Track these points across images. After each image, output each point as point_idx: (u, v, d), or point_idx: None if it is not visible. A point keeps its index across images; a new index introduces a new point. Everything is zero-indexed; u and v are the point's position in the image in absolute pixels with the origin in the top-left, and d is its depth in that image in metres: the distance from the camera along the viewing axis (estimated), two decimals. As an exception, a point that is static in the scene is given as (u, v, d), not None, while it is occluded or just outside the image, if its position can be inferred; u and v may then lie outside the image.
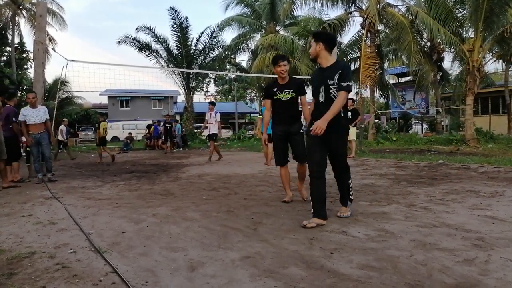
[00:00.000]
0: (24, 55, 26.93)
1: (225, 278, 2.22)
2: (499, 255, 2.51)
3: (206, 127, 11.79)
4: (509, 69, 22.57)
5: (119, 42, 22.56)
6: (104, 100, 40.21)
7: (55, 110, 10.79)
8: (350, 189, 3.68)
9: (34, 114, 6.65)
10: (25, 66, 26.81)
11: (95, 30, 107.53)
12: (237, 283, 2.15)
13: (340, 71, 3.34)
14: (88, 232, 3.25)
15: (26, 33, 28.55)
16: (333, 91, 3.35)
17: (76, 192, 5.52)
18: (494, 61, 21.60)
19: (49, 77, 34.54)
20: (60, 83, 20.05)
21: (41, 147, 6.71)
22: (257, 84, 26.34)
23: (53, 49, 16.52)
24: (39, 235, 3.21)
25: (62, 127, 13.75)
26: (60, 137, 13.58)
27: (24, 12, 25.67)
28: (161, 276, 2.27)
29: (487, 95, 23.68)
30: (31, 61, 25.11)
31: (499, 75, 29.33)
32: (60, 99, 26.66)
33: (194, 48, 23.58)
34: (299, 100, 4.40)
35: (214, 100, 11.69)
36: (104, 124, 12.33)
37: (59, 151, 13.42)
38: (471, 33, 15.40)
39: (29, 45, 27.66)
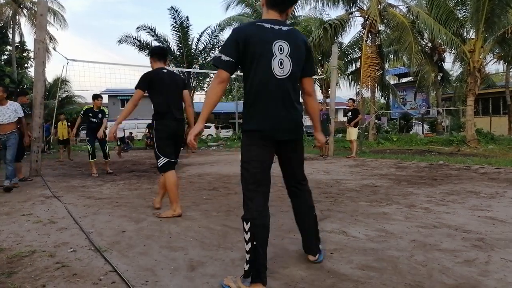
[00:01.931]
0: (25, 54, 26.93)
1: (225, 277, 2.21)
2: (499, 256, 2.51)
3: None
4: (510, 70, 22.56)
5: (119, 41, 22.58)
6: (104, 99, 40.12)
7: (55, 109, 10.85)
8: None
9: (1, 113, 5.84)
10: (26, 65, 26.80)
11: (96, 29, 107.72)
12: (237, 282, 2.14)
13: None
14: (88, 231, 3.25)
15: (26, 32, 28.62)
16: None
17: (76, 191, 5.52)
18: (495, 62, 21.62)
19: (50, 76, 34.60)
20: (60, 82, 20.03)
21: (7, 149, 5.85)
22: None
23: (54, 48, 16.45)
24: (39, 234, 3.21)
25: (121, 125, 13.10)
26: (119, 134, 13.29)
27: (24, 11, 25.68)
28: (161, 275, 2.27)
29: (487, 96, 23.67)
30: (32, 60, 25.12)
31: (500, 76, 29.30)
32: (60, 98, 26.66)
33: (194, 47, 23.59)
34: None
35: None
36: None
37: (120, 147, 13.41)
38: (472, 34, 15.38)
39: (30, 44, 27.68)
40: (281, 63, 2.15)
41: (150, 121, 22.39)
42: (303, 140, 2.46)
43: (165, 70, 3.99)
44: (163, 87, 3.85)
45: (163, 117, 3.82)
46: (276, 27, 2.18)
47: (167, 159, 3.76)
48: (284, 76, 2.17)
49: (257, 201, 2.12)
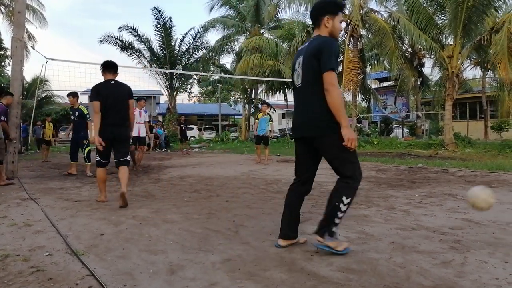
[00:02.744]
0: (2, 52, 26.19)
1: (205, 281, 2.19)
2: (474, 257, 2.56)
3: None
4: (486, 76, 23.24)
5: (101, 41, 22.30)
6: (85, 99, 39.42)
7: (34, 109, 10.60)
8: None
9: None
10: (3, 64, 26.05)
11: (77, 28, 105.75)
12: (217, 286, 2.13)
13: None
14: (65, 234, 3.17)
15: (4, 30, 27.97)
16: None
17: (54, 193, 5.39)
18: (472, 67, 22.23)
19: (28, 76, 33.79)
20: (39, 81, 19.58)
21: None
22: (241, 86, 26.36)
23: (32, 47, 16.15)
24: (14, 237, 3.11)
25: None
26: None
27: (2, 8, 24.99)
28: (140, 279, 2.23)
29: (465, 100, 24.33)
30: (9, 58, 24.42)
31: (477, 81, 30.16)
32: (39, 98, 26.02)
33: (178, 48, 23.46)
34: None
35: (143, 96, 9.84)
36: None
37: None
38: (450, 40, 15.77)
39: (7, 42, 26.85)
40: (298, 75, 2.65)
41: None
42: (324, 140, 2.57)
43: (112, 82, 4.59)
44: (107, 96, 4.43)
45: (105, 123, 4.41)
46: (306, 44, 2.66)
47: (99, 158, 4.61)
48: (300, 85, 2.64)
49: (295, 178, 2.85)
